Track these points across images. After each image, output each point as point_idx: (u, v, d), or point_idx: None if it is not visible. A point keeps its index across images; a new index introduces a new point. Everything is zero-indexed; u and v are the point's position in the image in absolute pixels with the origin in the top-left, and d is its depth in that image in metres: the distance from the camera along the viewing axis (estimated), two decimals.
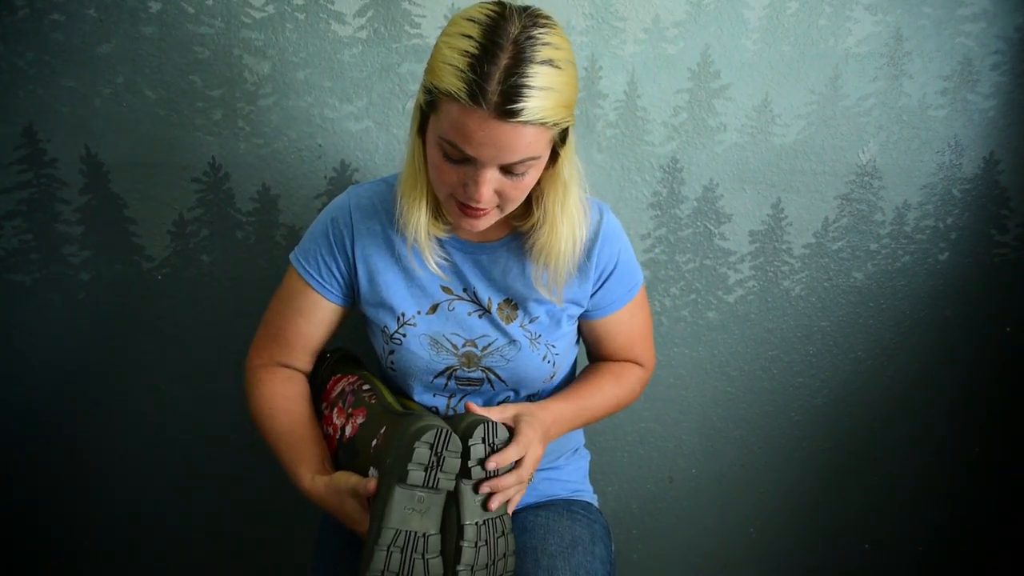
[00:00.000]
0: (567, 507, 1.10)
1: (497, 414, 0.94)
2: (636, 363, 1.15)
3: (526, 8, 0.84)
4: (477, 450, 0.87)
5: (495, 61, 0.78)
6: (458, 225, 0.96)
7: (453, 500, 0.88)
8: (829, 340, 1.44)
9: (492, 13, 0.82)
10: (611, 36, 1.25)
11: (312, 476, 0.97)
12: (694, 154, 1.32)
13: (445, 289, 1.02)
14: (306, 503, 1.43)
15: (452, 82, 0.79)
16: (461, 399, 1.06)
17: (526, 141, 0.82)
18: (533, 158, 0.85)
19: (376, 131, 1.28)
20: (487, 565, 0.88)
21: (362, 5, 1.22)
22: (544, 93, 0.80)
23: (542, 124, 0.81)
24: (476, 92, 0.78)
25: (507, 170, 0.85)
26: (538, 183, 0.94)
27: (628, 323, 1.10)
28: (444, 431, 0.85)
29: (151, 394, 1.41)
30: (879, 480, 1.53)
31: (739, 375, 1.46)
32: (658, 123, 1.30)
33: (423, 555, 0.86)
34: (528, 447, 0.91)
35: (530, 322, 1.02)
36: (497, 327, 1.02)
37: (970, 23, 1.28)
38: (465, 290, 1.02)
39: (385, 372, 1.09)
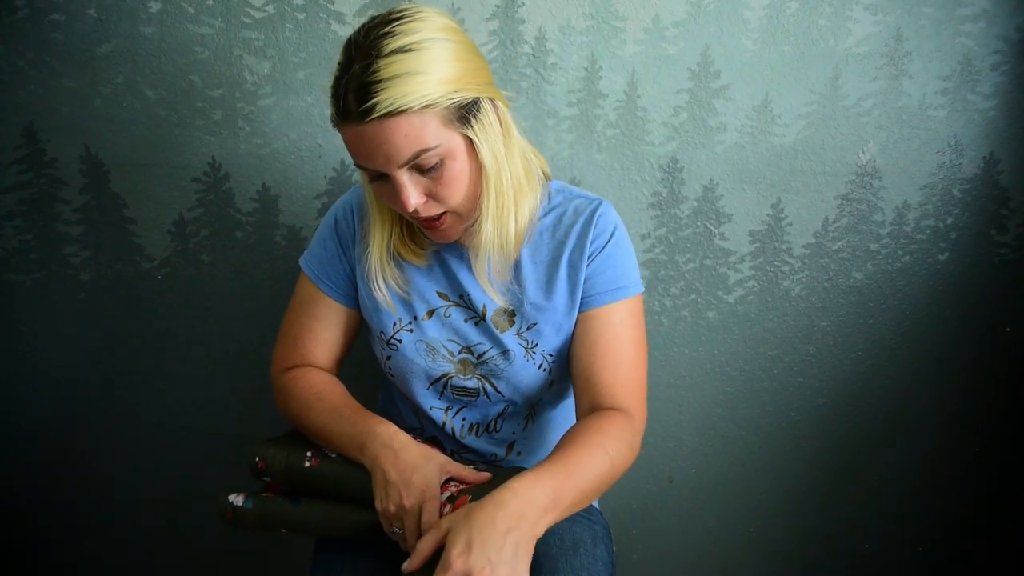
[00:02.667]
0: None
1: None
2: (620, 409, 0.95)
3: (386, 13, 0.84)
4: None
5: (348, 73, 0.80)
6: (436, 240, 0.95)
7: None
8: (829, 340, 1.44)
9: (354, 31, 0.84)
10: (611, 36, 1.25)
11: (395, 428, 0.92)
12: (694, 154, 1.32)
13: (441, 295, 1.01)
14: None
15: (331, 111, 0.84)
16: (458, 411, 1.05)
17: (402, 133, 0.80)
18: (427, 149, 0.82)
19: None
20: None
21: (362, 5, 1.22)
22: (396, 81, 0.78)
23: (405, 111, 0.79)
24: (339, 109, 0.81)
25: (417, 169, 0.84)
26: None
27: (612, 332, 0.96)
28: None
29: (151, 394, 1.41)
30: (879, 480, 1.53)
31: (739, 375, 1.46)
32: (658, 123, 1.30)
33: None
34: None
35: (527, 329, 1.00)
36: (491, 335, 1.00)
37: (970, 23, 1.28)
38: (461, 296, 1.01)
39: (385, 378, 1.09)
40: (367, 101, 0.78)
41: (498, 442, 1.07)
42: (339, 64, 0.83)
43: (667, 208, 1.35)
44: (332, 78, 0.84)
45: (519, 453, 1.08)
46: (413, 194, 0.84)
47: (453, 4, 1.23)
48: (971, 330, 1.44)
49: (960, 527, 1.56)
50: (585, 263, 0.98)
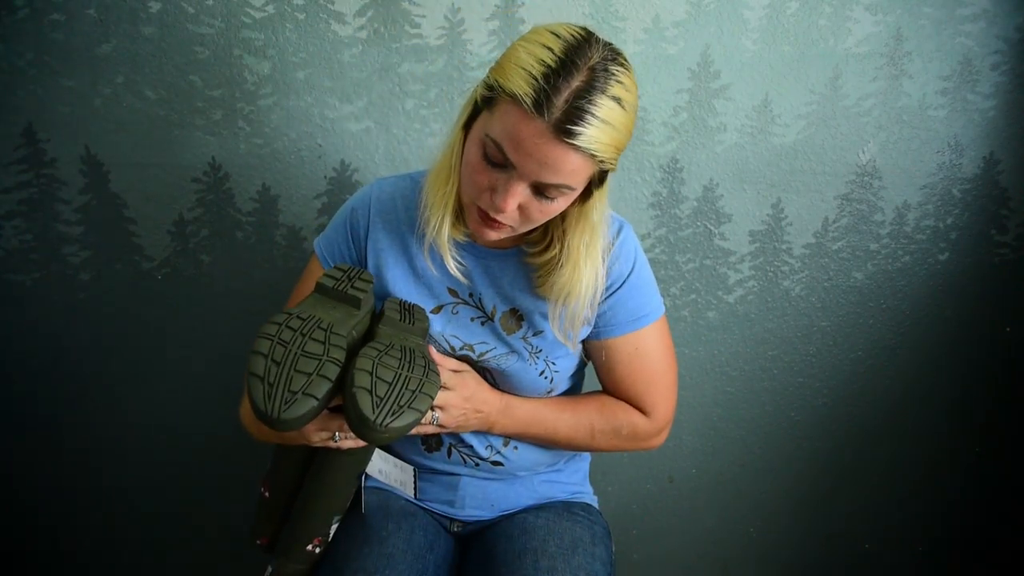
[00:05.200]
0: (567, 508, 1.09)
1: (448, 362, 0.95)
2: (640, 408, 1.05)
3: (609, 43, 0.84)
4: (392, 305, 0.94)
5: (568, 79, 0.77)
6: (473, 231, 0.93)
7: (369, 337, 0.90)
8: (829, 340, 1.44)
9: (577, 35, 0.82)
10: (611, 36, 1.25)
11: None
12: (694, 154, 1.32)
13: (451, 291, 1.01)
14: None
15: (521, 85, 0.78)
16: None
17: (570, 167, 0.80)
18: (569, 187, 0.83)
19: (376, 131, 1.28)
20: (392, 381, 0.82)
21: (362, 5, 1.22)
22: (604, 126, 0.79)
23: (592, 155, 0.80)
24: (542, 102, 0.77)
25: (539, 190, 0.83)
26: (564, 217, 0.92)
27: (630, 356, 1.03)
28: (359, 268, 0.95)
29: (151, 393, 1.41)
30: (879, 480, 1.53)
31: (739, 375, 1.46)
32: (658, 123, 1.30)
33: (323, 328, 0.83)
34: (444, 402, 0.92)
35: (533, 335, 1.01)
36: (497, 336, 1.01)
37: (970, 23, 1.28)
38: (471, 295, 1.01)
39: None
40: (576, 124, 0.77)
41: (495, 435, 1.07)
42: (552, 54, 0.78)
43: (667, 208, 1.35)
44: (534, 57, 0.79)
45: (515, 448, 1.08)
46: (512, 203, 0.84)
47: (453, 4, 1.23)
48: (971, 330, 1.44)
49: (960, 527, 1.56)
50: (600, 296, 1.00)
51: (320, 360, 0.79)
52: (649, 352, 1.03)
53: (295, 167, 1.29)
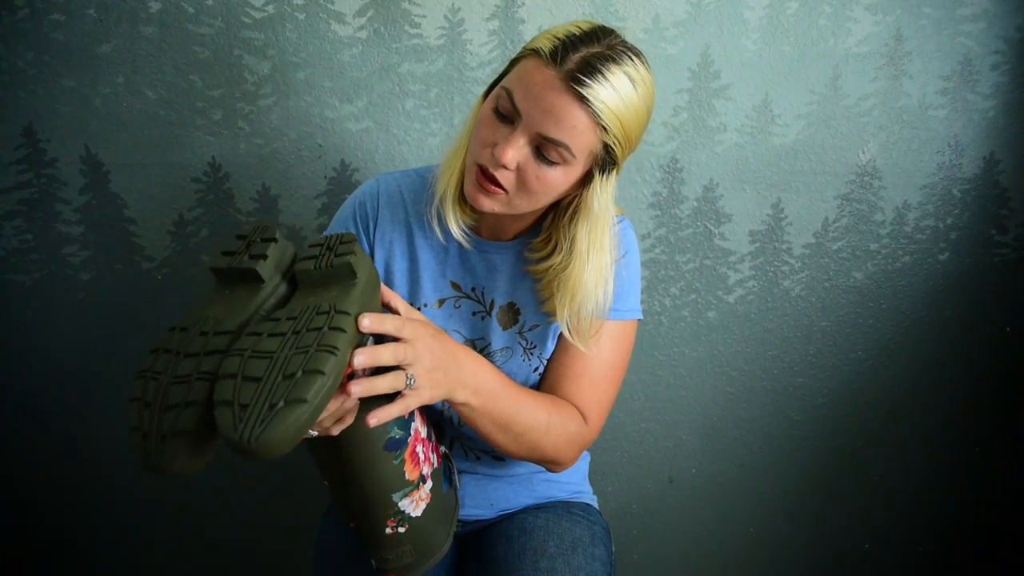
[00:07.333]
0: (566, 508, 1.09)
1: (401, 306, 0.82)
2: (577, 408, 0.99)
3: (630, 43, 0.87)
4: (308, 254, 0.77)
5: (589, 44, 0.82)
6: (468, 195, 0.91)
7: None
8: (829, 340, 1.44)
9: (608, 27, 0.86)
10: None
11: None
12: (694, 154, 1.32)
13: (454, 285, 1.01)
14: (308, 504, 1.43)
15: (543, 43, 0.83)
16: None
17: (571, 122, 0.82)
18: (568, 149, 0.83)
19: (376, 131, 1.28)
20: (263, 375, 0.62)
21: (362, 5, 1.22)
22: (613, 92, 0.81)
23: (596, 117, 0.81)
24: (558, 53, 0.81)
25: (539, 149, 0.85)
26: (563, 212, 0.92)
27: (578, 351, 0.98)
28: (261, 225, 0.77)
29: None
30: (879, 480, 1.53)
31: (739, 375, 1.46)
32: (658, 123, 1.30)
33: (204, 333, 0.68)
34: (414, 357, 0.76)
35: (529, 330, 1.01)
36: (494, 331, 1.01)
37: (970, 23, 1.28)
38: (473, 289, 1.02)
39: None
40: (586, 76, 0.80)
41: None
42: (580, 30, 0.84)
43: (667, 208, 1.35)
44: (564, 29, 0.84)
45: None
46: (512, 154, 0.85)
47: (453, 4, 1.23)
48: (971, 330, 1.44)
49: (960, 527, 1.56)
50: None
51: (189, 383, 0.62)
52: (603, 349, 0.98)
53: (295, 167, 1.29)
